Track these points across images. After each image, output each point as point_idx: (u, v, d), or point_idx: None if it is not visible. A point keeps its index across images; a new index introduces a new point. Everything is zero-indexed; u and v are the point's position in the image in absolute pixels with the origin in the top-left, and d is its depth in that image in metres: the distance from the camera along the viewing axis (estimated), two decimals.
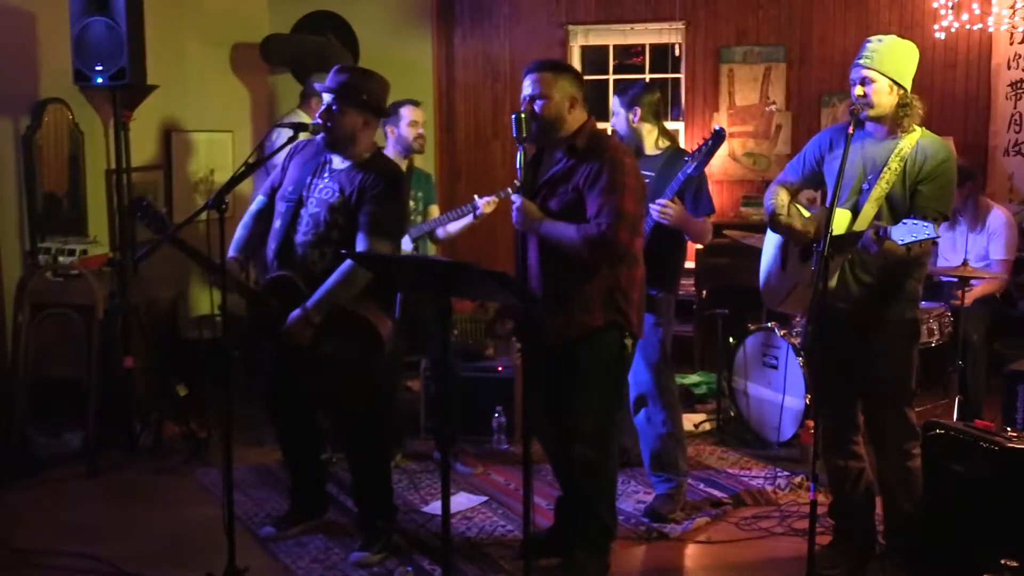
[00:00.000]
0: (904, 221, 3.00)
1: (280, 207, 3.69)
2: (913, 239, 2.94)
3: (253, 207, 3.84)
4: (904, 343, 3.45)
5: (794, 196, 3.63)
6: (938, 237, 2.97)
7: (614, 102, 4.21)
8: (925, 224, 2.93)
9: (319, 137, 3.63)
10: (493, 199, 4.75)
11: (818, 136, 3.61)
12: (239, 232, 3.81)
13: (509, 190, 4.70)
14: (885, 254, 3.12)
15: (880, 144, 3.35)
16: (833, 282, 3.32)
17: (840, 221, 3.26)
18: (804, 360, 4.75)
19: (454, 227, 4.86)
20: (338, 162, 3.67)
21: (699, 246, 6.33)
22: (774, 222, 3.57)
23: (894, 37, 3.36)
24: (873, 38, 3.35)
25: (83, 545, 3.82)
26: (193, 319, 6.04)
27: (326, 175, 3.66)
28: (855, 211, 3.32)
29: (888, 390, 3.46)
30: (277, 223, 3.68)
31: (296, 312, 3.50)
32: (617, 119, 4.19)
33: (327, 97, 3.60)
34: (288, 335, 3.51)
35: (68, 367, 4.88)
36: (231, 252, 3.74)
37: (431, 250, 4.93)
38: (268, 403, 3.95)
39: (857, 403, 3.56)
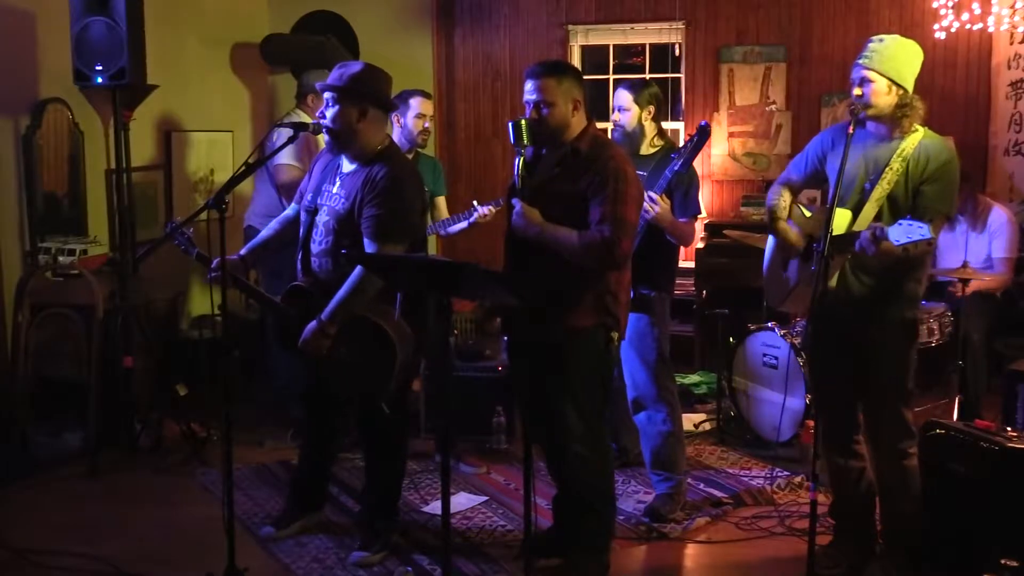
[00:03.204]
0: (900, 222, 2.98)
1: (302, 217, 3.72)
2: (908, 240, 2.91)
3: (287, 211, 3.91)
4: (902, 343, 3.44)
5: (796, 194, 3.63)
6: (933, 238, 2.94)
7: (626, 98, 4.13)
8: (920, 225, 2.91)
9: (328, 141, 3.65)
10: (491, 208, 4.73)
11: (821, 135, 3.61)
12: (261, 233, 3.90)
13: (500, 202, 4.69)
14: (883, 255, 3.12)
15: (882, 144, 3.35)
16: (833, 282, 3.32)
17: (841, 221, 3.26)
18: (804, 360, 4.75)
19: (452, 229, 4.87)
20: (347, 165, 3.65)
21: (700, 244, 6.35)
22: (771, 223, 3.58)
23: (897, 37, 3.34)
24: (875, 37, 3.34)
25: (83, 545, 3.83)
26: (193, 319, 6.05)
27: (337, 181, 3.65)
28: (856, 211, 3.32)
29: (885, 390, 3.45)
30: (301, 232, 3.71)
31: (312, 324, 3.49)
32: (628, 116, 4.12)
33: (326, 96, 3.60)
34: (304, 347, 3.51)
35: (68, 367, 4.88)
36: (242, 251, 3.79)
37: (431, 249, 4.94)
38: (305, 400, 3.96)
39: (858, 402, 3.56)
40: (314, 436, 4.02)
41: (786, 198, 3.58)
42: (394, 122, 4.64)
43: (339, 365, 3.54)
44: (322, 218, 3.62)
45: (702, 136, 3.91)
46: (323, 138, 3.71)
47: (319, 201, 3.66)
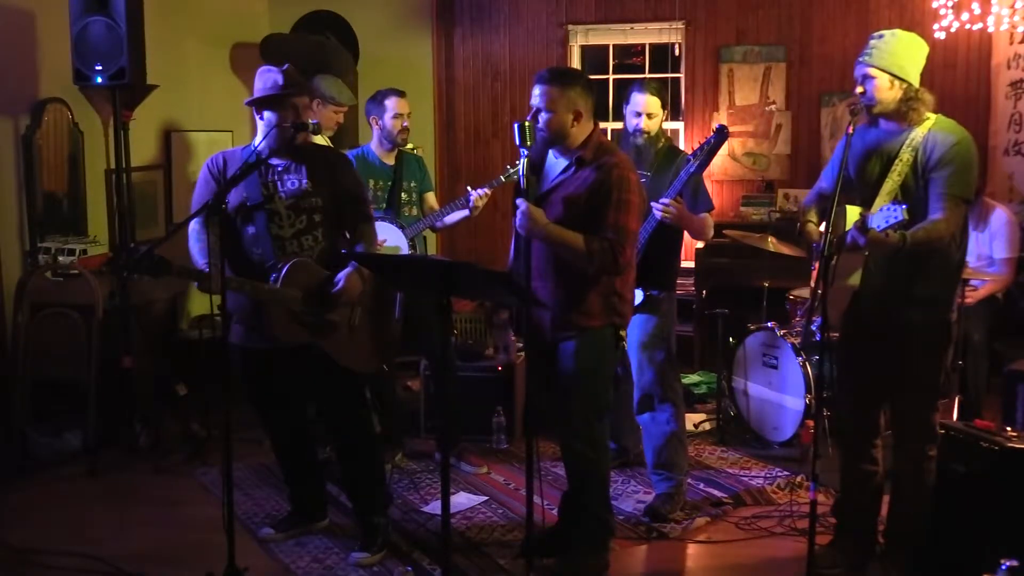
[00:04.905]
0: (882, 208, 3.01)
1: (244, 218, 3.63)
2: (887, 224, 2.98)
3: (195, 229, 3.66)
4: (933, 347, 3.39)
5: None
6: (906, 219, 2.96)
7: (655, 105, 4.08)
8: (896, 208, 2.97)
9: (240, 150, 3.70)
10: (486, 191, 4.73)
11: (842, 140, 3.60)
12: (197, 245, 3.64)
13: (502, 178, 4.70)
14: (874, 244, 3.10)
15: (893, 138, 3.34)
16: (856, 280, 3.31)
17: (852, 218, 3.24)
18: (804, 359, 4.75)
19: (450, 219, 4.87)
20: (281, 155, 3.65)
21: (700, 244, 6.35)
22: (799, 226, 3.59)
23: (897, 31, 3.34)
24: (876, 33, 3.34)
25: (83, 545, 3.83)
26: (193, 319, 6.04)
27: (279, 169, 3.65)
28: (868, 206, 3.30)
29: (913, 393, 3.42)
30: (251, 231, 3.61)
31: (348, 270, 3.57)
32: (655, 121, 4.09)
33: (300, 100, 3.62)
34: (346, 292, 3.56)
35: (68, 367, 4.87)
36: (202, 260, 3.57)
37: (431, 248, 4.92)
38: (259, 402, 3.90)
39: (880, 407, 3.54)
40: (277, 440, 3.98)
41: (814, 208, 3.59)
42: (372, 125, 4.66)
43: (317, 356, 3.61)
44: (285, 203, 3.61)
45: (720, 138, 3.90)
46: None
47: (267, 192, 3.61)
